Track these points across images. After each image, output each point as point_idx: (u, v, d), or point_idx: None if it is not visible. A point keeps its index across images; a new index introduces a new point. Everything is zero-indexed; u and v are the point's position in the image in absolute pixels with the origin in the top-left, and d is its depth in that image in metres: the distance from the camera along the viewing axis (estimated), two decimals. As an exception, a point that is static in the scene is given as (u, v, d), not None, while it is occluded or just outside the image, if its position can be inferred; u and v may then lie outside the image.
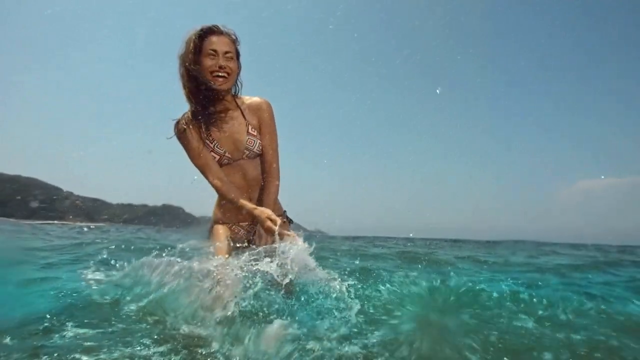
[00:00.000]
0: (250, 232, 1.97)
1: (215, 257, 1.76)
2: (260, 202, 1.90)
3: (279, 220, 1.68)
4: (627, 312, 2.41)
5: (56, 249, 4.80)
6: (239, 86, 1.90)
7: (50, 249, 4.88)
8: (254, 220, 1.85)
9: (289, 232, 1.73)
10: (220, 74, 1.73)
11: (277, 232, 1.66)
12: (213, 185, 1.84)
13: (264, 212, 1.74)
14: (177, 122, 1.83)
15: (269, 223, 1.70)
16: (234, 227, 1.95)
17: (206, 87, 1.74)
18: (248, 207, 1.77)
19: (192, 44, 1.70)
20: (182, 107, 1.87)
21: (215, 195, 1.98)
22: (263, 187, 1.91)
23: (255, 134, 1.86)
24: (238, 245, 1.88)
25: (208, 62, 1.71)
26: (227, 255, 1.76)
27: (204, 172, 1.84)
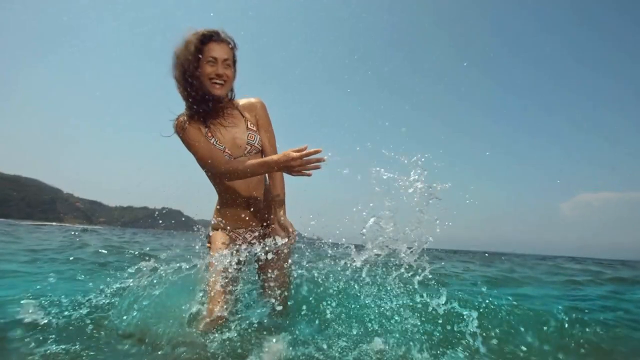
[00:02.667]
0: (249, 240, 1.92)
1: (209, 267, 1.73)
2: (267, 199, 1.92)
3: (304, 148, 1.54)
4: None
5: (41, 252, 4.69)
6: (234, 92, 1.91)
7: (37, 252, 4.77)
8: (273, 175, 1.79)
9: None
10: (217, 81, 1.75)
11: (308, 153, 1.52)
12: (220, 168, 1.77)
13: (285, 152, 1.60)
14: (177, 119, 1.82)
15: (293, 154, 1.55)
16: (232, 234, 1.91)
17: (202, 91, 1.75)
18: (261, 162, 1.68)
19: (192, 48, 1.70)
20: (182, 108, 1.86)
21: (215, 200, 1.96)
22: (272, 187, 1.91)
23: (254, 129, 1.88)
24: (236, 253, 1.82)
25: (207, 69, 1.72)
26: (221, 266, 1.71)
27: (208, 161, 1.78)
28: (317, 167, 1.57)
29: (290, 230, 1.82)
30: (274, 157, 1.63)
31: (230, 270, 1.69)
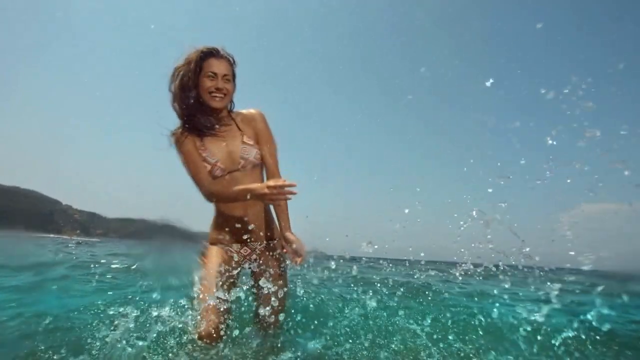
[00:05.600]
0: (245, 255, 1.89)
1: (202, 287, 1.69)
2: (266, 213, 1.90)
3: (281, 181, 1.58)
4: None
5: (28, 264, 4.46)
6: (233, 104, 1.93)
7: (23, 264, 4.53)
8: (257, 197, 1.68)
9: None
10: (217, 94, 1.78)
11: (282, 185, 1.56)
12: (203, 189, 1.78)
13: (262, 184, 1.64)
14: (174, 131, 1.84)
15: (269, 184, 1.59)
16: (229, 249, 1.87)
17: (201, 104, 1.79)
18: (242, 189, 1.68)
19: (192, 64, 1.75)
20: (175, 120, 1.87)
21: (213, 212, 1.92)
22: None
23: (251, 143, 1.86)
24: (233, 271, 1.79)
25: (207, 83, 1.76)
26: (214, 289, 1.68)
27: (194, 177, 1.80)
28: (288, 199, 1.63)
29: (298, 246, 1.78)
30: (253, 185, 1.66)
31: (222, 285, 1.67)
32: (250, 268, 1.87)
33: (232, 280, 1.75)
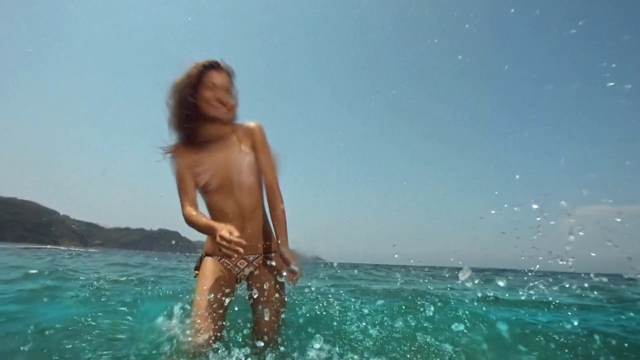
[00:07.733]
0: (242, 268, 1.87)
1: (197, 300, 1.67)
2: (266, 233, 1.88)
3: (235, 235, 1.49)
4: None
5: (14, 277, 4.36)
6: (236, 116, 1.91)
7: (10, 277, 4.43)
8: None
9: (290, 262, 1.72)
10: (217, 105, 1.77)
11: (231, 239, 1.47)
12: (183, 211, 1.77)
13: (224, 225, 1.57)
14: (169, 147, 1.83)
15: (221, 233, 1.50)
16: (224, 260, 1.85)
17: (199, 117, 1.78)
18: (207, 226, 1.64)
19: (194, 78, 1.75)
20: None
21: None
22: (271, 216, 1.86)
23: (247, 151, 1.84)
24: (228, 285, 1.78)
25: (208, 94, 1.76)
26: (208, 303, 1.66)
27: (180, 197, 1.80)
28: (231, 255, 1.51)
29: (294, 264, 1.75)
30: (216, 225, 1.58)
31: (216, 298, 1.66)
32: (248, 284, 1.85)
33: (227, 293, 1.72)
